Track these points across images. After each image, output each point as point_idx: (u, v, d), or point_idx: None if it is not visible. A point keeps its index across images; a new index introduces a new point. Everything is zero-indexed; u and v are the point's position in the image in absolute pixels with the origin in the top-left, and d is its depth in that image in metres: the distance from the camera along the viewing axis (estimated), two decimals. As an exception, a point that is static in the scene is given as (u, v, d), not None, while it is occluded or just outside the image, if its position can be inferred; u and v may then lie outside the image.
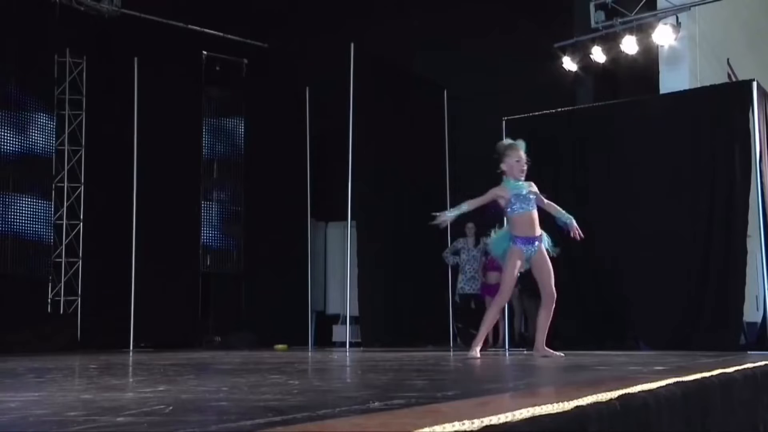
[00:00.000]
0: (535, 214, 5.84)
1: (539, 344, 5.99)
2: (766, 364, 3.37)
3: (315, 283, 11.65)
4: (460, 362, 4.37)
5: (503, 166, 5.88)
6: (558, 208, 6.05)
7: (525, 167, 5.85)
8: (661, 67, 9.36)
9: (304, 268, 11.33)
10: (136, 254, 10.30)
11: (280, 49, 11.93)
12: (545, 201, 6.00)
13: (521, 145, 5.93)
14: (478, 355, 5.71)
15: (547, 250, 5.92)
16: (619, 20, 9.73)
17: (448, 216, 5.85)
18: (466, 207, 5.81)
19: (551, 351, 5.89)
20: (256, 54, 11.90)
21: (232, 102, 11.87)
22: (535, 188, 5.95)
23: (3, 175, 9.47)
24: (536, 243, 5.82)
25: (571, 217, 5.96)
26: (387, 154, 10.36)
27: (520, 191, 5.83)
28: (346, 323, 10.32)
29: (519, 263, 5.81)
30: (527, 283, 9.63)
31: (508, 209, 5.86)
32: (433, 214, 5.82)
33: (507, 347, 8.75)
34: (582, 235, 5.92)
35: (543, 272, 5.87)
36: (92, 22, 10.44)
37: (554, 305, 5.92)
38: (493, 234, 6.16)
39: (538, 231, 5.85)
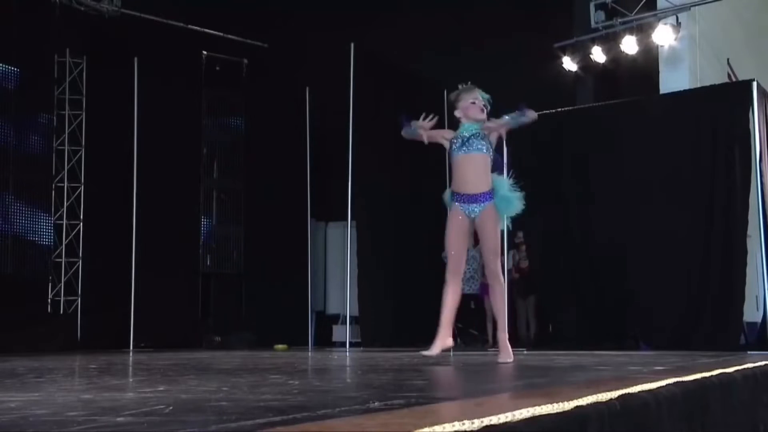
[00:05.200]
0: (479, 159, 4.59)
1: (504, 344, 4.77)
2: (766, 364, 3.37)
3: (315, 283, 11.64)
4: (460, 362, 4.37)
5: (457, 113, 4.79)
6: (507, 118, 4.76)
7: (484, 105, 4.73)
8: (661, 67, 9.37)
9: (304, 268, 11.32)
10: (136, 254, 10.29)
11: (280, 49, 11.92)
12: (499, 122, 4.73)
13: (475, 89, 4.82)
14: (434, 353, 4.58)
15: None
16: (619, 20, 9.72)
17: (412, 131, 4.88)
18: (415, 128, 4.84)
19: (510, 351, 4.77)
20: (256, 54, 11.89)
21: (232, 102, 11.86)
22: (489, 124, 4.69)
23: (3, 175, 9.47)
24: (479, 203, 4.59)
25: (518, 115, 4.75)
26: (387, 154, 10.35)
27: (466, 132, 4.66)
28: (346, 323, 10.32)
29: (456, 226, 4.65)
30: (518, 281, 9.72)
31: (449, 154, 4.72)
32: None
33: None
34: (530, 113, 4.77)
35: (483, 245, 4.71)
36: (92, 22, 10.42)
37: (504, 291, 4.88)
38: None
39: (482, 187, 4.59)
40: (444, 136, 4.78)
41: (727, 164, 7.66)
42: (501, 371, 4.21)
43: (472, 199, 4.57)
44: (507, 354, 4.66)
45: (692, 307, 7.67)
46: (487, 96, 4.79)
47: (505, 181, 4.74)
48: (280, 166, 11.50)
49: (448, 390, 2.87)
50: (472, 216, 4.60)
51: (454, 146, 4.65)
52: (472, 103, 4.68)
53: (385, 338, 9.65)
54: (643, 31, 9.54)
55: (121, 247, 10.21)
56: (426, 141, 4.83)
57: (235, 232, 11.70)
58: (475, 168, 4.59)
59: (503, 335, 4.74)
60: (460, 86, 4.88)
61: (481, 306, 10.26)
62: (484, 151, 4.60)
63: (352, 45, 9.98)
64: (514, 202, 4.66)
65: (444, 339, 4.58)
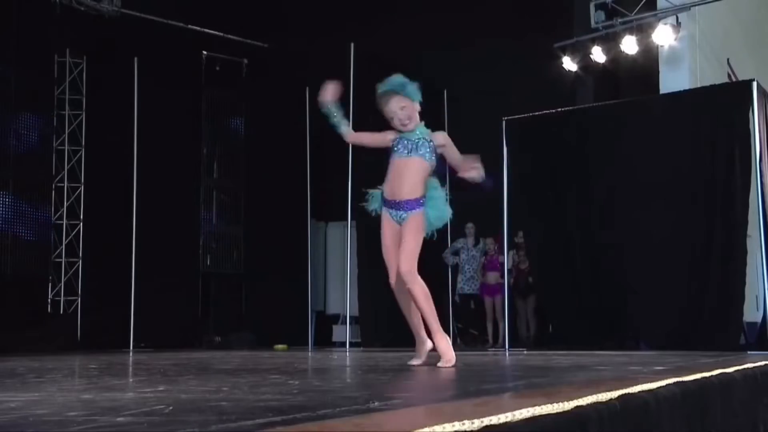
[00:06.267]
0: (418, 165, 4.32)
1: (443, 347, 4.29)
2: (766, 364, 3.37)
3: (315, 283, 11.65)
4: (459, 362, 4.37)
5: (394, 124, 4.45)
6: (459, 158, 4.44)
7: (406, 114, 4.33)
8: (661, 67, 9.37)
9: (304, 268, 11.32)
10: (136, 254, 10.30)
11: (280, 49, 11.92)
12: (455, 155, 4.45)
13: (393, 83, 4.38)
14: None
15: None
16: (619, 20, 9.73)
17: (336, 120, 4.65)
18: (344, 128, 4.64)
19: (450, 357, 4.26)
20: (256, 54, 11.90)
21: (232, 102, 11.87)
22: (442, 140, 4.42)
23: (3, 175, 9.48)
24: (407, 211, 4.33)
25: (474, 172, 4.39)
26: (387, 154, 10.35)
27: (410, 137, 4.37)
28: (346, 323, 10.32)
29: (390, 237, 4.40)
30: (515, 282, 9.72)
31: (390, 155, 4.46)
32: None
33: (507, 347, 8.75)
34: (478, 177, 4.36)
35: (401, 244, 4.31)
36: (92, 22, 10.43)
37: (416, 295, 4.25)
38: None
39: (414, 193, 4.33)
40: (389, 137, 4.46)
41: (727, 164, 7.66)
42: (501, 371, 4.21)
43: (400, 206, 4.34)
44: (448, 357, 4.20)
45: (692, 307, 7.66)
46: (413, 88, 4.36)
47: (435, 183, 4.46)
48: (280, 166, 11.50)
49: (448, 390, 2.87)
50: (401, 223, 4.35)
51: (397, 148, 4.38)
52: (391, 119, 4.38)
53: (385, 338, 9.65)
54: (643, 31, 9.54)
55: (121, 247, 10.22)
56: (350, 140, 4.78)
57: (235, 232, 11.71)
58: (412, 173, 4.32)
59: (438, 337, 4.27)
60: (378, 88, 4.45)
61: (481, 306, 10.27)
62: (426, 157, 4.32)
63: (352, 45, 9.97)
64: (443, 206, 4.41)
65: (422, 344, 4.51)
